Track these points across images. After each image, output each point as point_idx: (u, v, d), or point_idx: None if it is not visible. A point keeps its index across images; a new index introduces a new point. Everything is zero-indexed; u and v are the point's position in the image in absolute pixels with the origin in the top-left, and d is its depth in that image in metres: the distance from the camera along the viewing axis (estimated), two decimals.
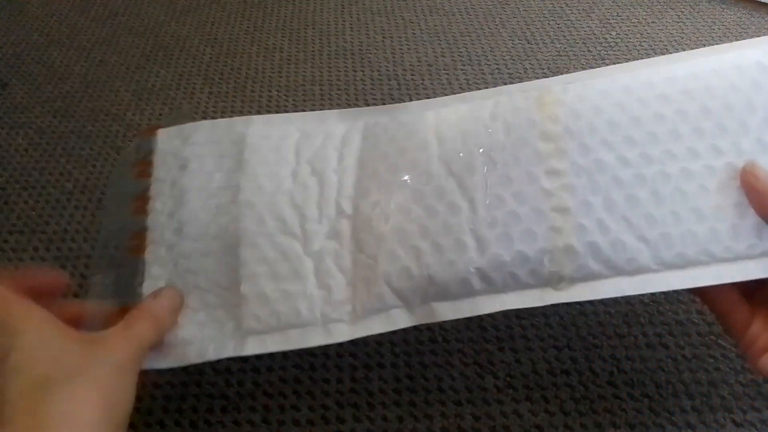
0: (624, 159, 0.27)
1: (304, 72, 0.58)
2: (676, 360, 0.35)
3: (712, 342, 0.36)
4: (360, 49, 0.61)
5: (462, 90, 0.54)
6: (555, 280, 0.26)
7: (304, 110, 0.53)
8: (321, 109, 0.53)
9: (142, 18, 0.66)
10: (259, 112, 0.53)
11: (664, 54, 0.60)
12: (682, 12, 0.64)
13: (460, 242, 0.27)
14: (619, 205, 0.26)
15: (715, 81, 0.27)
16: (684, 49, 0.59)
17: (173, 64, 0.59)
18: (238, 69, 0.58)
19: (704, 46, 0.61)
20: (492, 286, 0.27)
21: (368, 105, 0.54)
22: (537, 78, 0.56)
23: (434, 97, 0.54)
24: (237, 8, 0.67)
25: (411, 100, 0.54)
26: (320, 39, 0.62)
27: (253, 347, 0.28)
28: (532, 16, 0.64)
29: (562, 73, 0.56)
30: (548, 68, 0.56)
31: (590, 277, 0.26)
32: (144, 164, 0.32)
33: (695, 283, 0.26)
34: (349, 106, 0.54)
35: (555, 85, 0.29)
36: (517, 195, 0.27)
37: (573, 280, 0.26)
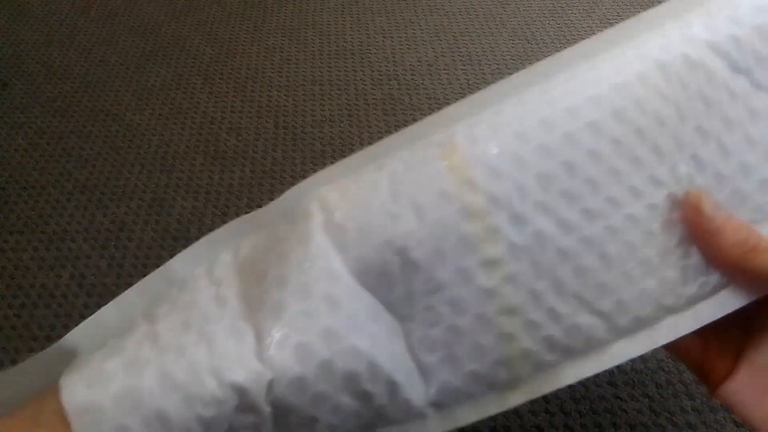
0: (565, 223, 0.22)
1: (304, 72, 0.58)
2: (677, 360, 0.35)
3: None
4: (360, 49, 0.61)
5: (462, 90, 0.54)
6: (512, 384, 0.23)
7: (303, 110, 0.53)
8: (321, 109, 0.53)
9: (142, 18, 0.66)
10: (258, 112, 0.53)
11: None
12: None
13: (411, 373, 0.22)
14: (567, 283, 0.22)
15: (643, 92, 0.23)
16: None
17: (173, 64, 0.59)
18: (238, 69, 0.58)
19: None
20: (444, 409, 0.23)
21: (368, 105, 0.54)
22: None
23: (435, 97, 0.55)
24: (237, 8, 0.67)
25: (411, 100, 0.54)
26: (320, 39, 0.62)
27: None
28: (532, 15, 0.64)
29: None
30: None
31: (546, 368, 0.23)
32: None
33: (653, 345, 0.23)
34: (349, 106, 0.54)
35: (456, 131, 0.23)
36: (452, 303, 0.21)
37: (529, 376, 0.23)
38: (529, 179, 0.22)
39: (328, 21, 0.65)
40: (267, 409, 0.20)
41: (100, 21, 0.65)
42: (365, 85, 0.56)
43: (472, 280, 0.21)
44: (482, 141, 0.22)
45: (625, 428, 0.32)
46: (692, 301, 0.23)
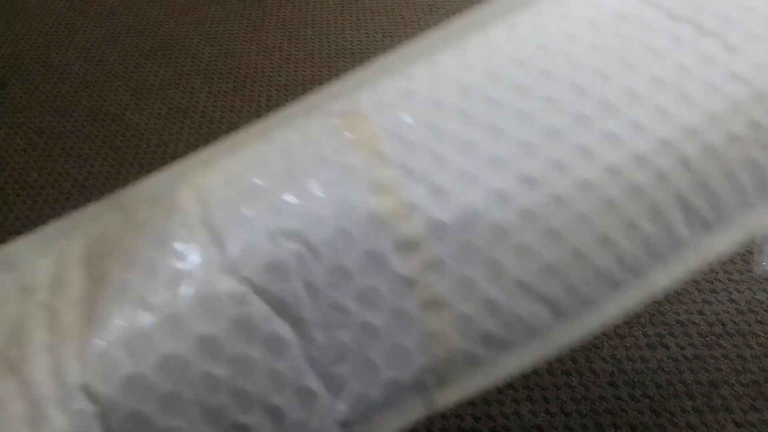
0: (499, 193, 0.18)
1: (304, 71, 0.58)
2: (677, 360, 0.35)
3: (713, 342, 0.36)
4: (359, 49, 0.60)
5: None
6: (440, 383, 0.19)
7: None
8: None
9: (141, 17, 0.65)
10: (258, 112, 0.53)
11: None
12: None
13: (303, 392, 0.18)
14: (508, 266, 0.18)
15: (573, 48, 0.21)
16: None
17: (172, 64, 0.59)
18: (237, 68, 0.58)
19: None
20: (361, 423, 0.19)
21: None
22: None
23: None
24: (236, 7, 0.67)
25: None
26: (320, 38, 0.62)
27: None
28: None
29: None
30: None
31: (481, 363, 0.19)
32: None
33: (595, 326, 0.21)
34: None
35: (360, 99, 0.21)
36: (363, 296, 0.18)
37: (461, 374, 0.19)
38: (449, 147, 0.19)
39: (328, 20, 0.65)
40: None
41: (99, 20, 0.65)
42: None
43: (386, 265, 0.18)
44: (392, 109, 0.20)
45: (625, 428, 0.32)
46: (641, 272, 0.21)
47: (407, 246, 0.18)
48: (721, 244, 0.21)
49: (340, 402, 0.18)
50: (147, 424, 0.17)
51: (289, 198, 0.19)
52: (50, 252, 0.21)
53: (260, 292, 0.18)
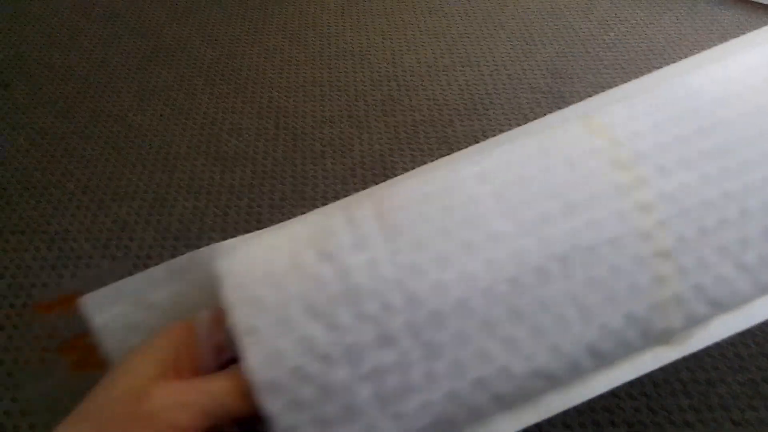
0: (706, 176, 0.24)
1: (305, 73, 0.58)
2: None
3: None
4: (360, 51, 0.61)
5: (461, 91, 0.55)
6: (665, 336, 0.24)
7: (304, 111, 0.54)
8: (321, 110, 0.54)
9: (144, 19, 0.66)
10: (259, 113, 0.53)
11: (661, 53, 0.60)
12: (680, 13, 0.64)
13: (560, 318, 0.22)
14: (713, 233, 0.24)
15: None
16: (681, 50, 0.59)
17: (174, 65, 0.59)
18: (239, 70, 0.58)
19: (702, 46, 0.62)
20: (602, 360, 0.23)
21: (368, 106, 0.54)
22: (536, 79, 0.57)
23: (434, 98, 0.55)
24: (238, 10, 0.67)
25: (410, 101, 0.54)
26: (320, 40, 0.62)
27: None
28: (530, 17, 0.64)
29: (561, 74, 0.56)
30: (546, 69, 0.56)
31: (698, 321, 0.24)
32: (77, 350, 0.21)
33: None
34: (349, 107, 0.54)
35: (590, 112, 0.26)
36: (611, 243, 0.23)
37: (682, 330, 0.24)
38: (668, 139, 0.24)
39: (329, 23, 0.65)
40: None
41: (102, 22, 0.65)
42: (365, 86, 0.56)
43: (628, 221, 0.23)
44: (618, 114, 0.25)
45: (623, 426, 0.33)
46: None
47: (644, 208, 0.23)
48: None
49: (588, 329, 0.23)
50: (441, 323, 0.22)
51: (547, 170, 0.24)
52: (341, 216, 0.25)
53: (532, 235, 0.23)
